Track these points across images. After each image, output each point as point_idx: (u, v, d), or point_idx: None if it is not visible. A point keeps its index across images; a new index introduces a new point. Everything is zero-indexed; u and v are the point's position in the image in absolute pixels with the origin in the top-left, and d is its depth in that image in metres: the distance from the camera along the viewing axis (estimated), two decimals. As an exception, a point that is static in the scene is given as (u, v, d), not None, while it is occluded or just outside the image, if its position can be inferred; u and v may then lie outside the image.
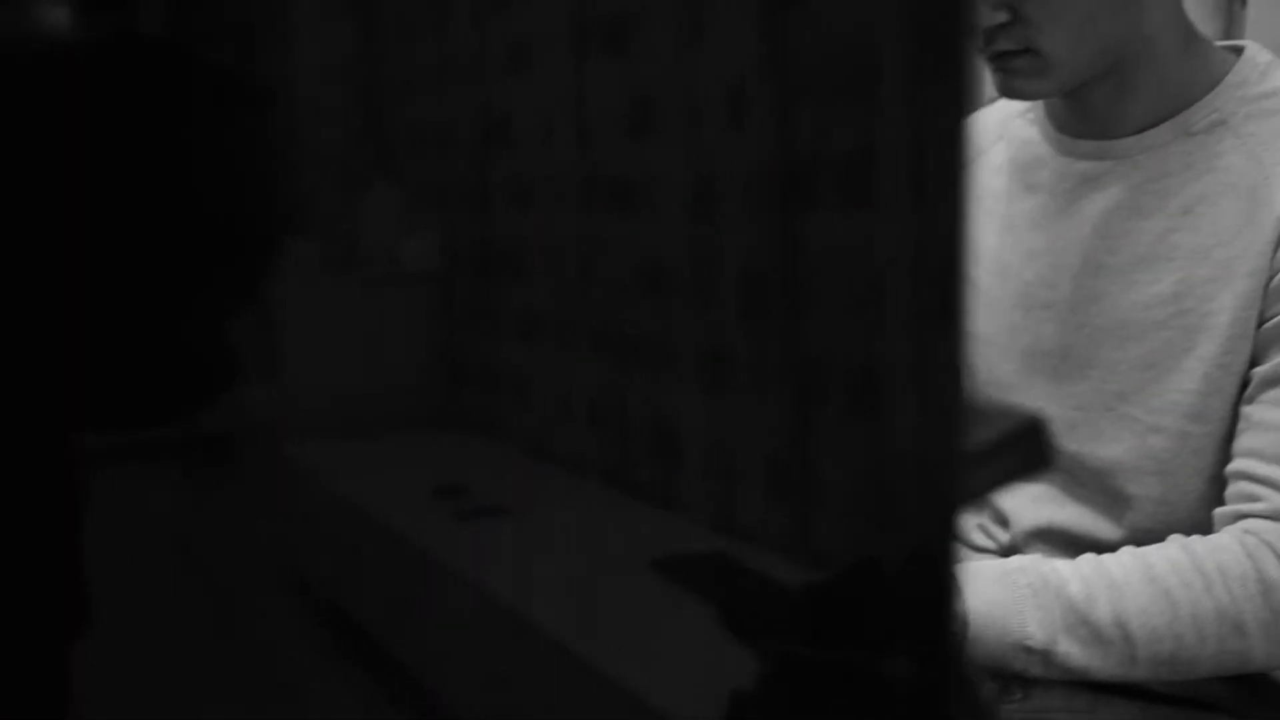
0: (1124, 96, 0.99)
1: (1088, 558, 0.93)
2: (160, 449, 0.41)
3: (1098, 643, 0.89)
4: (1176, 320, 0.97)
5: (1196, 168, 0.97)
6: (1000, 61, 0.96)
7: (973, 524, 1.15)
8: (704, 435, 0.43)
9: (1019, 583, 0.90)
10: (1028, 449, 0.45)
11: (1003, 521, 1.10)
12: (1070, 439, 1.03)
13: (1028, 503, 1.07)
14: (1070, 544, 1.04)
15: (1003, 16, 0.93)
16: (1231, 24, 1.35)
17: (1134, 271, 0.99)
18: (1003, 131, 1.11)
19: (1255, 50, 1.00)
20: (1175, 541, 0.93)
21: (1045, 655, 0.88)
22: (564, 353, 0.46)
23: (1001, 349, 1.07)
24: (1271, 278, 0.92)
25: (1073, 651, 0.88)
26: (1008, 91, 0.98)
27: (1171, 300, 0.97)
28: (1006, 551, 1.10)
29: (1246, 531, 0.91)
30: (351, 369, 0.43)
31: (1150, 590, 0.89)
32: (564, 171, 0.45)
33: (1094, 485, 1.03)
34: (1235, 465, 0.94)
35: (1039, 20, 0.92)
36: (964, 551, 1.15)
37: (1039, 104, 1.07)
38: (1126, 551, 0.93)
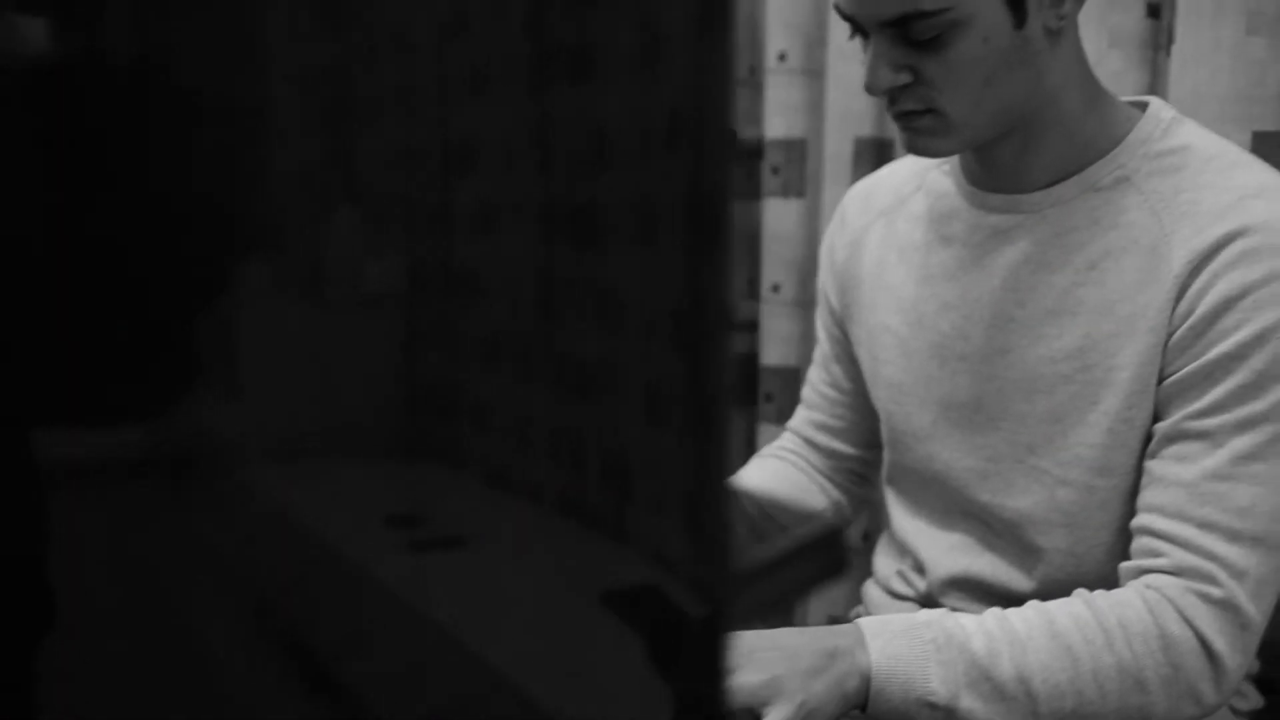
0: (1030, 152, 1.00)
1: (993, 612, 0.94)
2: (117, 468, 0.40)
3: (1000, 699, 0.90)
4: (1081, 375, 0.98)
5: (1102, 223, 0.98)
6: (905, 121, 0.97)
7: (892, 570, 1.16)
8: (649, 467, 0.43)
9: (923, 638, 0.91)
10: (824, 557, 0.45)
11: (920, 569, 1.12)
12: (983, 490, 1.05)
13: (944, 551, 1.09)
14: (985, 593, 1.05)
15: (905, 78, 0.94)
16: (1156, 75, 1.36)
17: (1041, 325, 1.00)
18: (921, 181, 1.12)
19: (1159, 106, 1.01)
20: (1080, 596, 0.94)
21: (948, 712, 0.90)
22: (522, 381, 0.46)
23: (919, 399, 1.09)
24: (1170, 335, 0.94)
25: (975, 707, 0.90)
26: (914, 149, 0.99)
27: (1077, 355, 0.98)
28: (924, 599, 1.11)
29: (1148, 587, 0.92)
30: (311, 393, 0.43)
31: (1053, 646, 0.90)
32: (524, 197, 0.45)
33: (1007, 536, 1.05)
34: (1138, 520, 0.95)
35: (939, 81, 0.93)
36: (884, 597, 1.16)
37: (953, 156, 1.07)
38: (1031, 606, 0.94)
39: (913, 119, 0.97)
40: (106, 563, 0.41)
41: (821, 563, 0.45)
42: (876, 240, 1.15)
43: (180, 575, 0.43)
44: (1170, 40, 1.31)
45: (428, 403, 0.44)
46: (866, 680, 0.90)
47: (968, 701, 0.89)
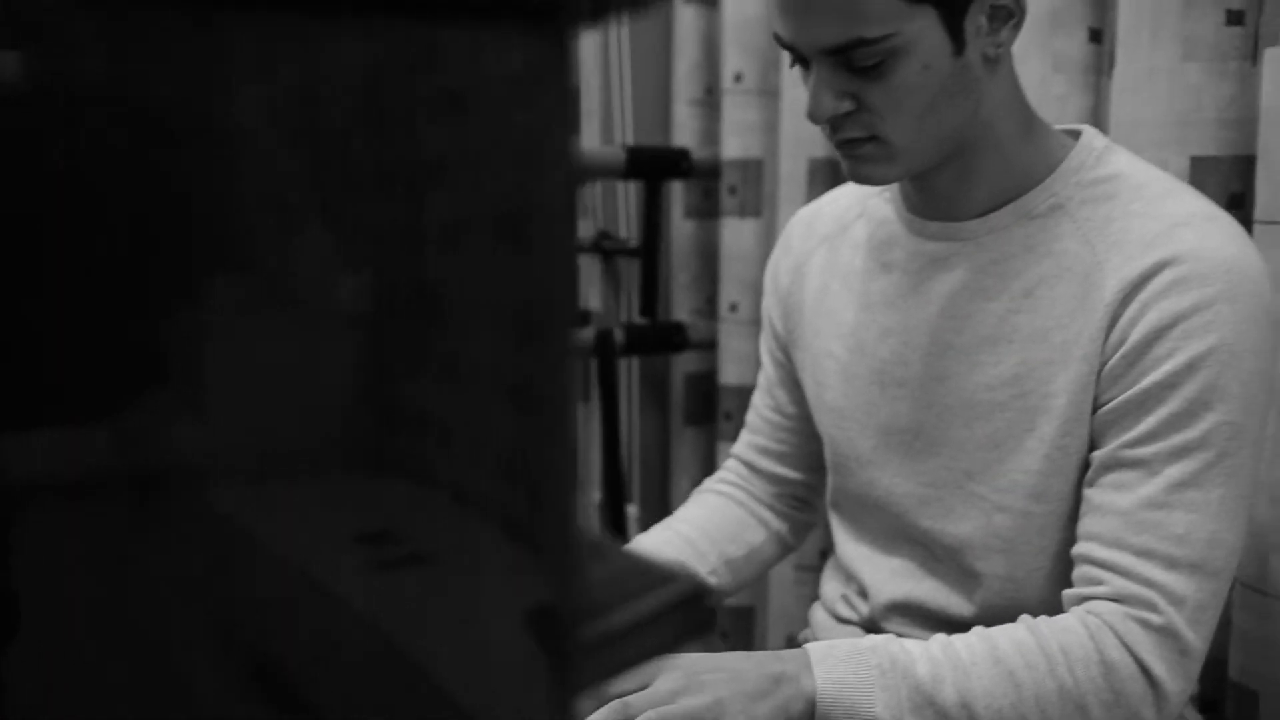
0: (967, 181, 1.01)
1: (939, 638, 0.95)
2: (83, 485, 0.41)
3: None
4: (1017, 401, 0.99)
5: (1037, 251, 0.99)
6: (847, 148, 0.98)
7: (838, 594, 1.17)
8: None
9: (868, 663, 0.92)
10: (687, 618, 0.46)
11: (863, 594, 1.13)
12: (923, 515, 1.06)
13: (888, 576, 1.10)
14: (926, 618, 1.06)
15: (847, 105, 0.95)
16: (1100, 100, 1.38)
17: (978, 352, 1.01)
18: (863, 208, 1.13)
19: (1091, 135, 1.03)
20: (1024, 622, 0.95)
21: None
22: (479, 400, 0.46)
23: (860, 424, 1.10)
24: (1104, 363, 0.95)
25: None
26: (855, 177, 1.00)
27: (1013, 382, 1.00)
28: (867, 623, 1.12)
29: (1090, 613, 0.93)
30: (279, 409, 0.43)
31: (995, 672, 0.91)
32: (482, 214, 0.45)
33: (947, 561, 1.06)
34: (1078, 548, 0.96)
35: (881, 108, 0.94)
36: (830, 621, 1.18)
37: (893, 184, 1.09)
38: (976, 632, 0.95)
39: (855, 146, 0.97)
40: (68, 578, 0.41)
41: (685, 624, 0.45)
42: (819, 266, 1.16)
43: (148, 593, 0.43)
44: (1112, 65, 1.33)
45: (391, 419, 0.44)
46: (812, 704, 0.91)
47: None
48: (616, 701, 0.89)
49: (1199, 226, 0.93)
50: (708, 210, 2.00)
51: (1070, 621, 0.93)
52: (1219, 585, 0.92)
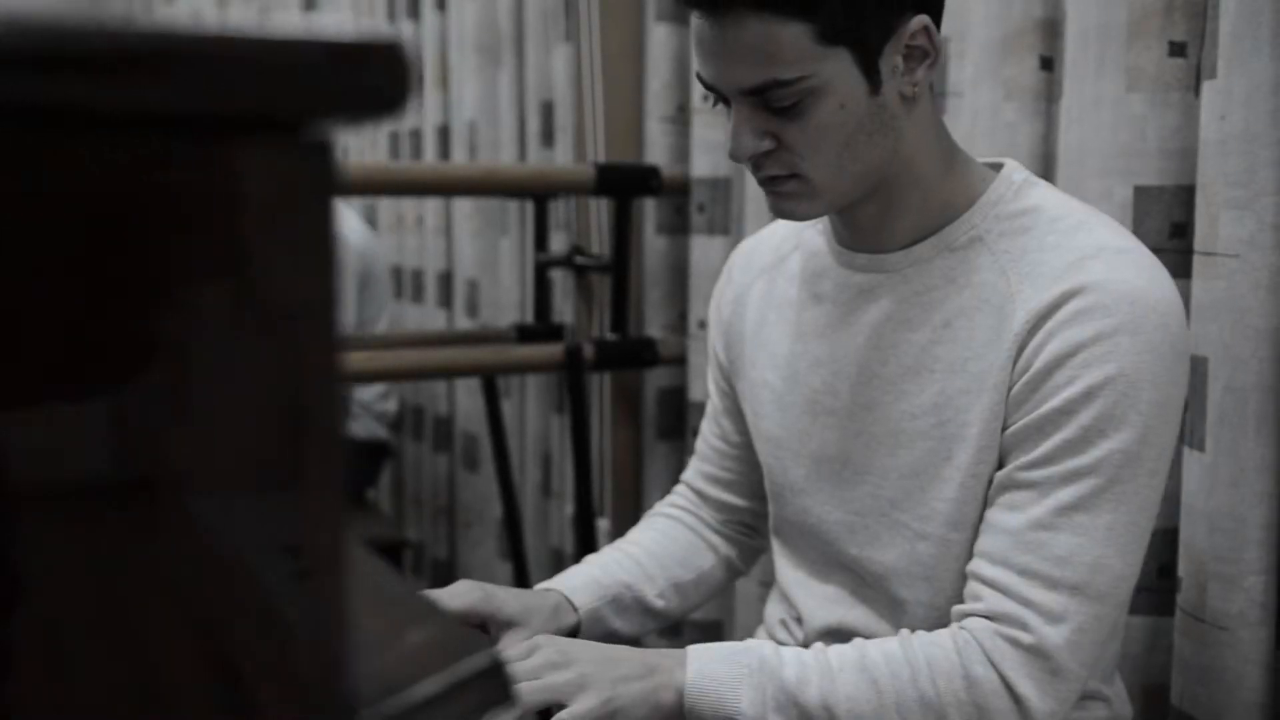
0: (890, 214, 1.03)
1: (818, 646, 0.98)
2: (69, 493, 0.42)
3: None
4: (937, 430, 1.01)
5: (957, 282, 1.01)
6: (770, 185, 1.00)
7: (777, 619, 1.19)
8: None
9: (740, 662, 0.96)
10: (486, 690, 0.47)
11: (799, 619, 1.15)
12: (851, 543, 1.08)
13: (820, 603, 1.12)
14: None
15: (767, 144, 0.97)
16: (1050, 127, 1.39)
17: (902, 382, 1.03)
18: (798, 240, 1.15)
19: (1012, 168, 1.05)
20: (899, 635, 0.98)
21: None
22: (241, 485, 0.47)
23: (794, 453, 1.12)
24: (1010, 388, 0.97)
25: None
26: (779, 213, 1.02)
27: (933, 411, 1.02)
28: (805, 647, 1.13)
29: (962, 628, 0.96)
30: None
31: (860, 678, 0.94)
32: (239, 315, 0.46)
33: (876, 589, 1.08)
34: (970, 565, 0.99)
35: (801, 147, 0.96)
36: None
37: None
38: (853, 642, 0.98)
39: (778, 183, 0.99)
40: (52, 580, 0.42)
41: (483, 698, 0.47)
42: (757, 297, 1.17)
43: (128, 598, 0.44)
44: (1061, 93, 1.34)
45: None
46: (680, 695, 0.95)
47: None
48: None
49: (1108, 258, 0.95)
50: (679, 227, 2.01)
51: (942, 636, 0.96)
52: (1103, 610, 0.93)
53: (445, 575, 2.82)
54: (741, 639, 1.02)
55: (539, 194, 2.05)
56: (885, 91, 0.95)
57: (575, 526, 2.01)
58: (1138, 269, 0.95)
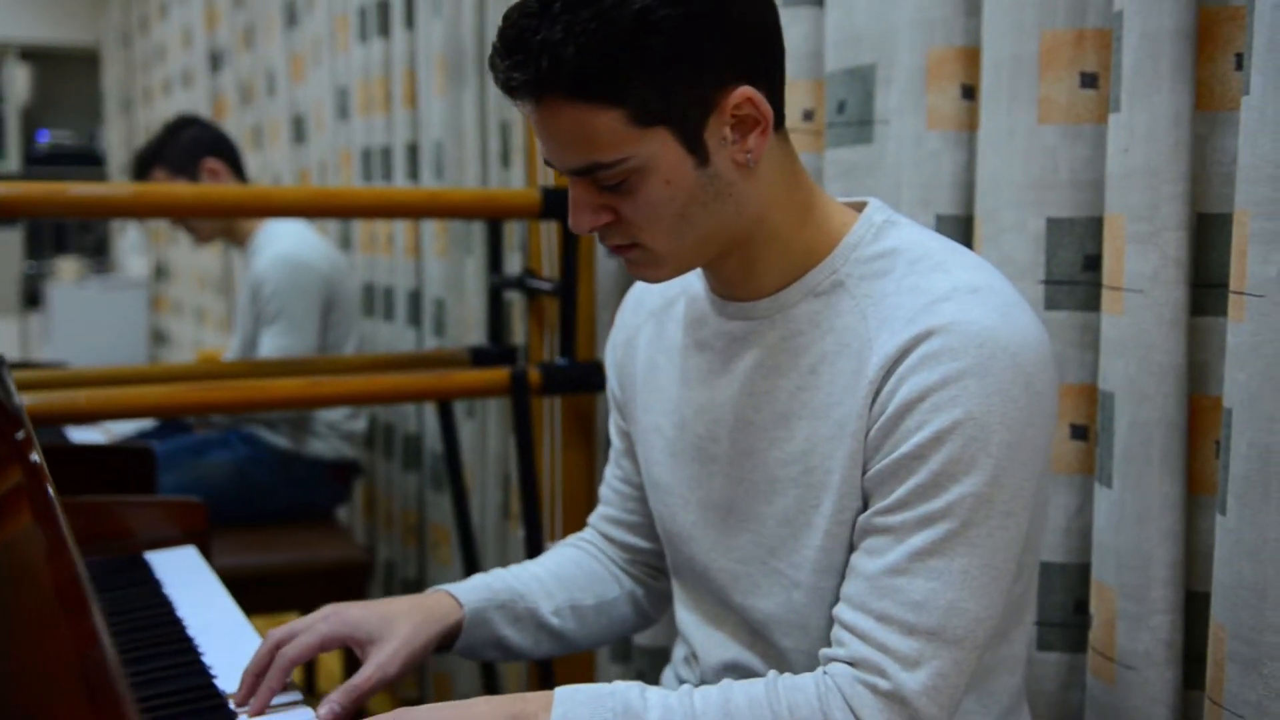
0: (752, 267, 1.03)
1: (686, 689, 0.97)
2: None
3: None
4: (804, 477, 1.01)
5: (821, 327, 1.01)
6: (617, 253, 1.01)
7: (680, 656, 1.18)
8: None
9: (605, 706, 0.94)
10: None
11: (695, 658, 1.14)
12: (735, 591, 1.08)
13: (714, 646, 1.11)
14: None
15: (605, 217, 0.98)
16: (972, 157, 1.37)
17: (775, 429, 1.03)
18: (684, 285, 1.14)
19: (874, 209, 1.04)
20: (766, 678, 0.97)
21: None
22: None
23: (683, 499, 1.11)
24: (867, 433, 0.96)
25: None
26: (633, 276, 1.04)
27: (800, 458, 1.01)
28: (701, 684, 1.12)
29: (825, 673, 0.95)
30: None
31: None
32: None
33: (760, 636, 1.08)
34: (834, 609, 0.98)
35: (635, 220, 0.97)
36: (674, 681, 1.19)
37: None
38: (721, 685, 0.97)
39: (623, 252, 1.01)
40: None
41: None
42: (646, 341, 1.17)
43: None
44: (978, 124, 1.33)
45: None
46: None
47: None
48: None
49: (960, 300, 0.94)
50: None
51: (805, 681, 0.95)
52: (961, 655, 0.93)
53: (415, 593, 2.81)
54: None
55: (487, 218, 2.05)
56: (716, 162, 0.96)
57: (526, 548, 2.00)
58: (990, 309, 0.94)
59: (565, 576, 1.23)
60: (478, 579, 1.19)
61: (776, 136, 0.99)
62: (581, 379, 1.93)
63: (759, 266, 1.03)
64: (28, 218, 1.61)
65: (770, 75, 0.97)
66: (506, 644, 1.18)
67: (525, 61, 0.91)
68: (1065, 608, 1.29)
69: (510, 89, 0.94)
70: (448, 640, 1.14)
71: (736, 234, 1.00)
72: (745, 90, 0.94)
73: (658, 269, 1.01)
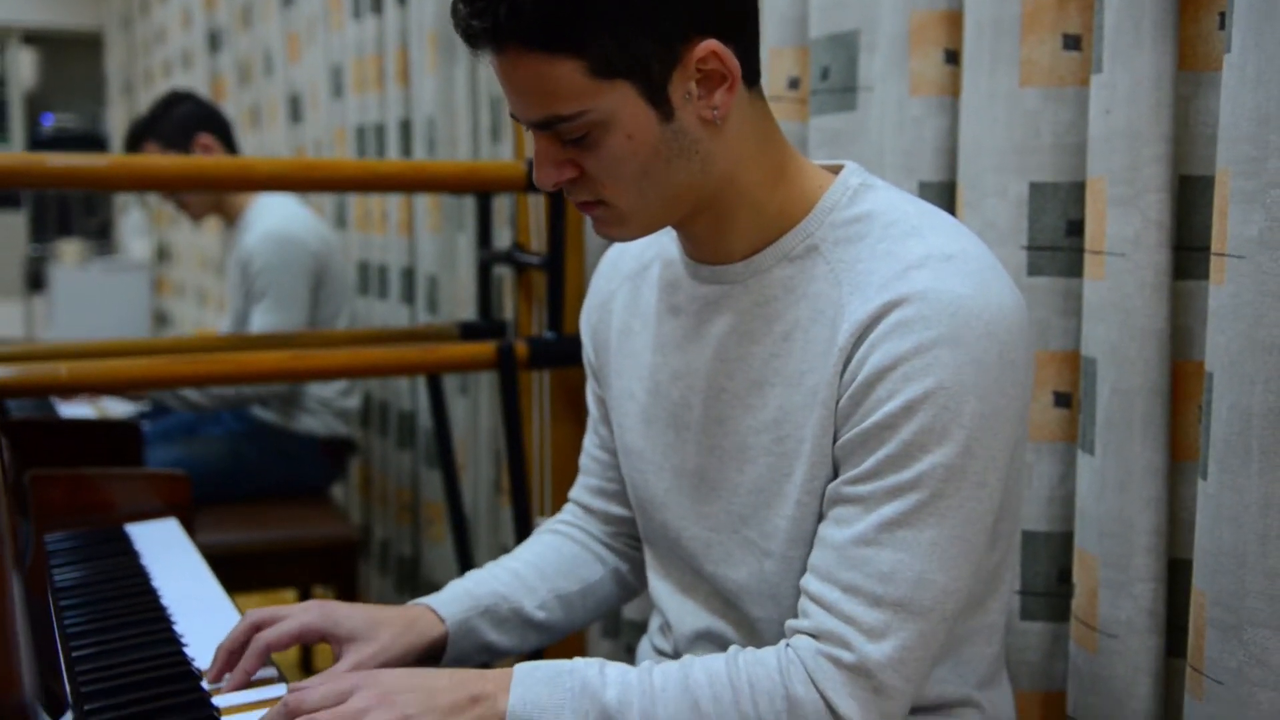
0: (724, 228, 1.01)
1: (645, 665, 0.95)
2: None
3: None
4: (777, 446, 0.99)
5: (795, 293, 0.99)
6: (584, 210, 0.99)
7: (656, 626, 1.17)
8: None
9: (564, 685, 0.92)
10: None
11: (669, 627, 1.12)
12: (708, 560, 1.06)
13: (689, 612, 1.10)
14: (727, 647, 1.05)
15: (569, 172, 0.96)
16: (955, 122, 1.35)
17: (748, 396, 1.01)
18: (659, 248, 1.12)
19: (850, 172, 1.02)
20: (727, 653, 0.95)
21: None
22: None
23: (656, 466, 1.10)
24: (838, 402, 0.94)
25: None
26: (599, 235, 1.01)
27: (773, 426, 0.99)
28: (674, 655, 1.12)
29: (788, 646, 0.93)
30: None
31: (682, 700, 0.92)
32: None
33: (733, 605, 1.06)
34: (802, 580, 0.96)
35: (599, 176, 0.95)
36: (650, 650, 1.17)
37: None
38: (681, 660, 0.95)
39: (588, 209, 0.99)
40: None
41: None
42: (621, 305, 1.15)
43: None
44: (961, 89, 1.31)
45: None
46: None
47: None
48: (293, 700, 0.89)
49: (934, 267, 0.92)
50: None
51: (767, 655, 0.93)
52: (927, 626, 0.91)
53: (410, 572, 2.81)
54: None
55: (474, 191, 2.03)
56: (681, 118, 0.94)
57: (514, 524, 1.99)
58: (963, 276, 0.92)
59: (546, 566, 1.21)
60: (459, 587, 1.17)
61: (748, 95, 0.98)
62: (569, 353, 1.91)
63: (730, 228, 1.01)
64: (6, 189, 1.60)
65: (739, 30, 0.95)
66: (495, 649, 1.16)
67: (485, 9, 0.90)
68: (1049, 577, 1.27)
69: (470, 37, 0.92)
70: (434, 653, 1.12)
71: (705, 193, 0.98)
72: (711, 44, 0.92)
73: (623, 227, 0.99)
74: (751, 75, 0.98)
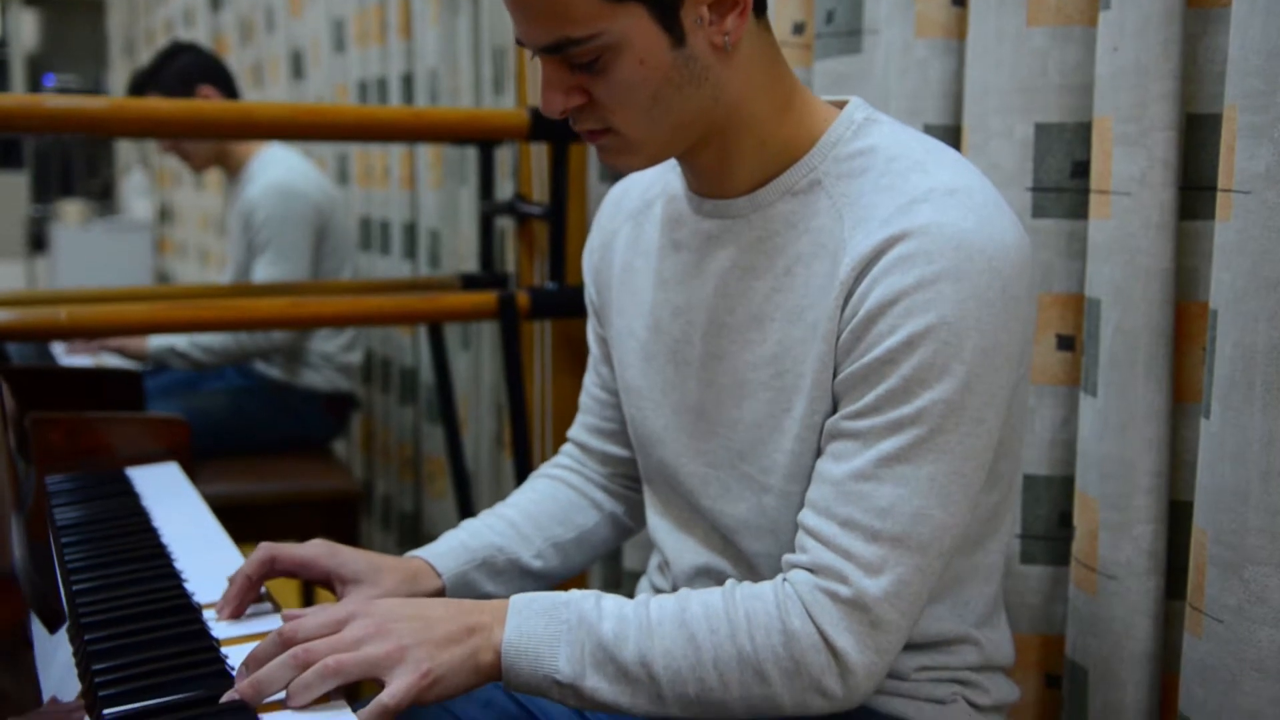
0: (728, 160, 1.00)
1: (642, 598, 0.95)
2: None
3: (624, 680, 0.91)
4: (776, 381, 0.98)
5: (798, 228, 0.98)
6: (589, 139, 0.98)
7: (654, 565, 1.17)
8: None
9: (559, 617, 0.92)
10: None
11: (667, 565, 1.12)
12: (705, 495, 1.06)
13: (685, 551, 1.10)
14: (725, 583, 1.05)
15: (577, 99, 0.95)
16: (961, 63, 1.33)
17: (748, 331, 1.00)
18: (664, 184, 1.12)
19: (854, 107, 1.01)
20: (724, 587, 0.95)
21: (575, 689, 0.91)
22: None
23: (655, 403, 1.09)
24: (839, 336, 0.94)
25: (601, 686, 0.91)
26: (605, 165, 1.01)
27: (773, 361, 0.99)
28: (674, 590, 1.11)
29: (785, 581, 0.93)
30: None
31: (678, 633, 0.91)
32: None
33: (731, 541, 1.06)
34: (799, 514, 0.96)
35: (608, 102, 0.94)
36: (649, 589, 1.17)
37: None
38: (677, 594, 0.95)
39: (595, 137, 0.98)
40: None
41: None
42: (624, 243, 1.15)
43: None
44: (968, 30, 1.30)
45: None
46: (499, 655, 0.91)
47: (593, 681, 0.91)
48: (288, 629, 0.89)
49: (937, 201, 0.91)
50: (620, 174, 1.97)
51: (764, 589, 0.93)
52: (924, 561, 0.91)
53: (412, 527, 2.81)
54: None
55: (475, 139, 2.02)
56: (692, 44, 0.93)
57: (515, 476, 1.99)
58: (966, 211, 0.91)
59: (540, 514, 1.21)
60: (454, 539, 1.16)
61: (757, 24, 0.97)
62: (571, 303, 1.91)
63: (735, 160, 1.00)
64: (3, 133, 1.59)
65: None
66: (492, 598, 1.16)
67: None
68: (1050, 520, 1.27)
69: None
70: None
71: (713, 121, 0.97)
72: None
73: (631, 156, 0.98)
74: (760, 4, 0.97)
